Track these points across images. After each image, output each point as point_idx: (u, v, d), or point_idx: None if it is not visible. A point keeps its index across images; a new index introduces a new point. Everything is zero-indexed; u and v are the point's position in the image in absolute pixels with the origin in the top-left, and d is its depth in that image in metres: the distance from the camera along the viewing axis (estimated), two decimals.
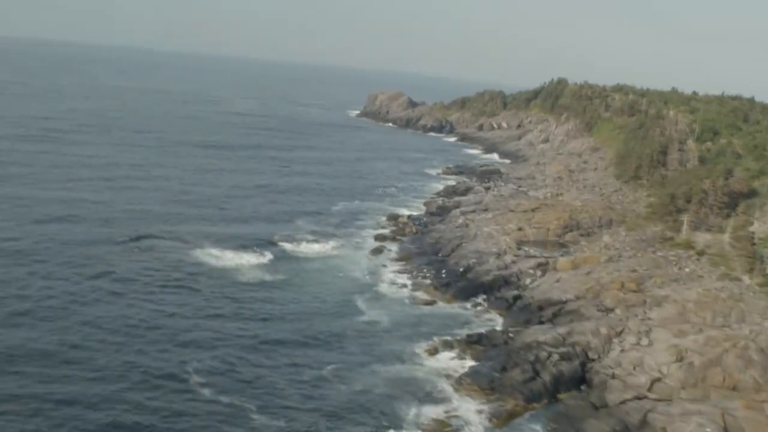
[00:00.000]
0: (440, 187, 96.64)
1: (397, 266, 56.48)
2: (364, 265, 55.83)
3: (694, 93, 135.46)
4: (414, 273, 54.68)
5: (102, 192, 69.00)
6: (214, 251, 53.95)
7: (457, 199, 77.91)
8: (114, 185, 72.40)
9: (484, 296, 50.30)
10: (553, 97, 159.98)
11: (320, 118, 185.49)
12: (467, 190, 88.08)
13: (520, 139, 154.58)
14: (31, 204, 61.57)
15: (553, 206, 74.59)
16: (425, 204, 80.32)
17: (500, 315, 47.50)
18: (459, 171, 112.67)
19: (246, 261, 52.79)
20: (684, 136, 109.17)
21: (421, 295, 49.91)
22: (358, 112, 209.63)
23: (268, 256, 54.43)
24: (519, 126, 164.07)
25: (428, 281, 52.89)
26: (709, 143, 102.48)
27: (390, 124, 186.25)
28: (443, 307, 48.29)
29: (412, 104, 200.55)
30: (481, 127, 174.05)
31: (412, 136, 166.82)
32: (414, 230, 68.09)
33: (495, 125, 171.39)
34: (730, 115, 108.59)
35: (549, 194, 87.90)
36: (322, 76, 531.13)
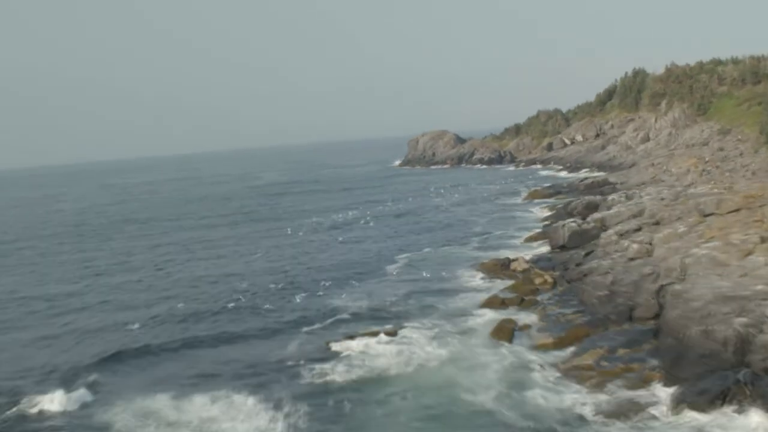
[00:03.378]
0: (539, 214, 66.65)
1: (557, 360, 25.96)
2: (493, 372, 25.23)
3: None
4: (610, 371, 24.08)
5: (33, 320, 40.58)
6: (168, 403, 24.39)
7: (596, 217, 47.16)
8: (56, 305, 43.84)
9: None
10: (634, 92, 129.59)
11: (356, 175, 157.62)
12: (593, 207, 57.71)
13: (604, 148, 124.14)
14: None
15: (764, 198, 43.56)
16: (547, 235, 49.90)
17: None
18: (554, 192, 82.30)
19: (229, 419, 22.84)
20: None
21: None
22: (399, 161, 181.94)
23: (283, 398, 24.32)
24: (598, 135, 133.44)
25: (660, 387, 22.19)
26: None
27: (439, 166, 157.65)
28: None
29: (460, 140, 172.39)
30: (550, 147, 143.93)
31: (469, 171, 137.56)
32: (551, 280, 37.67)
33: (567, 141, 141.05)
34: None
35: (715, 189, 57.04)
36: (354, 147, 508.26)
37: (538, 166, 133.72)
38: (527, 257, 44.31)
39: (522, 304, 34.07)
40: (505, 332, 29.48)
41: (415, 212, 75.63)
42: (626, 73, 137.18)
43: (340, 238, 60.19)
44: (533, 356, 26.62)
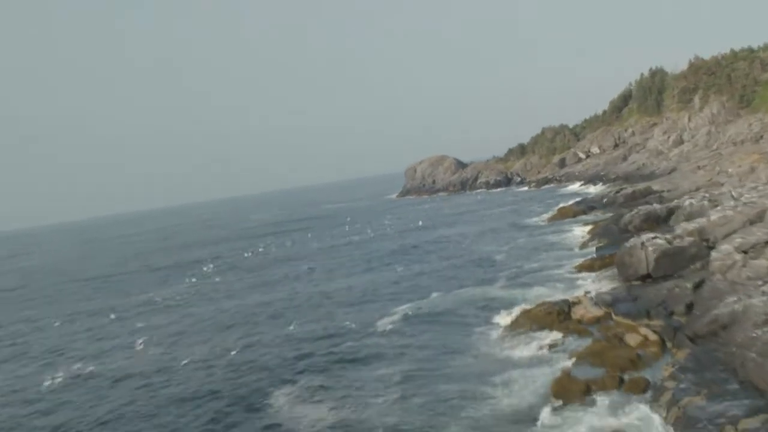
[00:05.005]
0: (578, 235, 51.21)
1: None
2: None
3: None
4: None
5: None
6: None
7: (689, 228, 31.31)
8: None
9: None
10: (654, 93, 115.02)
11: (349, 210, 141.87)
12: (655, 219, 42.52)
13: (626, 158, 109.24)
14: None
15: None
16: (609, 261, 34.44)
17: None
18: (585, 207, 66.95)
19: None
20: None
21: None
22: (397, 193, 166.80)
23: None
24: (617, 144, 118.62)
25: None
26: None
27: (441, 194, 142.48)
28: None
29: (461, 165, 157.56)
30: (562, 163, 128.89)
31: (476, 196, 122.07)
32: (654, 336, 21.84)
33: (582, 154, 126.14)
34: None
35: None
36: (345, 186, 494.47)
37: (552, 184, 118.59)
38: (591, 295, 28.71)
39: (624, 388, 18.40)
40: None
41: (417, 246, 59.98)
42: (642, 74, 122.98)
43: (319, 287, 44.47)
44: None
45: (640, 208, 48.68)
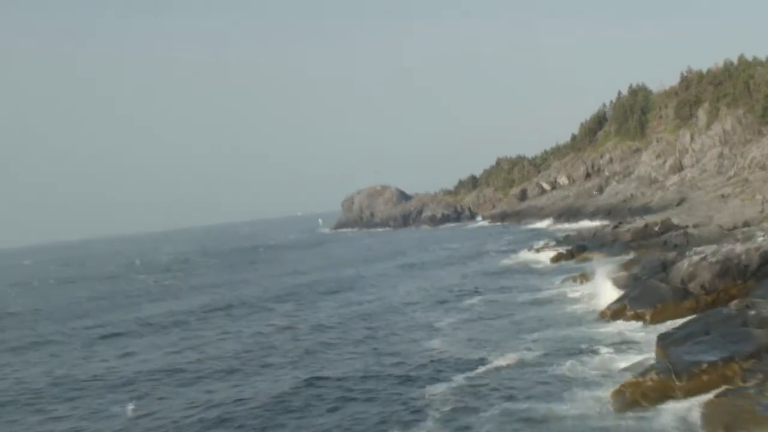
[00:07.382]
0: (574, 297, 28.99)
1: None
2: None
3: None
4: None
5: None
6: None
7: None
8: None
9: None
10: (636, 113, 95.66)
11: (269, 244, 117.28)
12: (740, 272, 20.71)
13: (602, 189, 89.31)
14: None
15: None
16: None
17: None
18: (576, 248, 45.04)
19: None
20: None
21: None
22: (331, 227, 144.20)
23: None
24: (590, 174, 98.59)
25: None
26: None
27: (380, 229, 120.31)
28: None
29: (405, 197, 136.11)
30: (523, 195, 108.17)
31: (420, 232, 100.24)
32: None
33: (546, 185, 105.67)
34: None
35: None
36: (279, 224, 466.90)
37: (511, 220, 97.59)
38: None
39: None
40: None
41: (301, 311, 36.67)
42: (619, 92, 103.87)
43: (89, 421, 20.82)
44: None
45: (701, 251, 26.63)
